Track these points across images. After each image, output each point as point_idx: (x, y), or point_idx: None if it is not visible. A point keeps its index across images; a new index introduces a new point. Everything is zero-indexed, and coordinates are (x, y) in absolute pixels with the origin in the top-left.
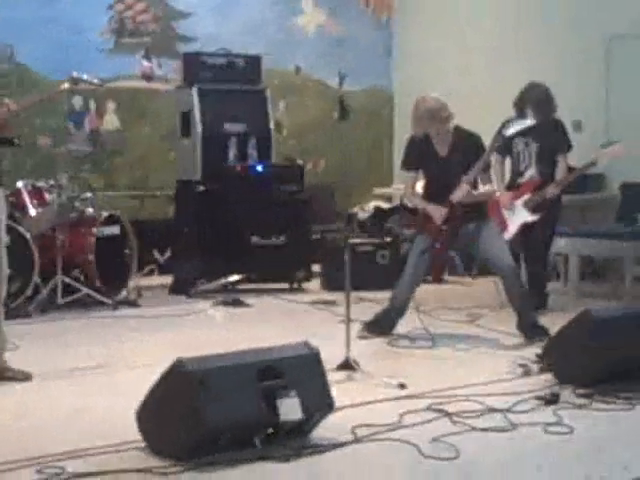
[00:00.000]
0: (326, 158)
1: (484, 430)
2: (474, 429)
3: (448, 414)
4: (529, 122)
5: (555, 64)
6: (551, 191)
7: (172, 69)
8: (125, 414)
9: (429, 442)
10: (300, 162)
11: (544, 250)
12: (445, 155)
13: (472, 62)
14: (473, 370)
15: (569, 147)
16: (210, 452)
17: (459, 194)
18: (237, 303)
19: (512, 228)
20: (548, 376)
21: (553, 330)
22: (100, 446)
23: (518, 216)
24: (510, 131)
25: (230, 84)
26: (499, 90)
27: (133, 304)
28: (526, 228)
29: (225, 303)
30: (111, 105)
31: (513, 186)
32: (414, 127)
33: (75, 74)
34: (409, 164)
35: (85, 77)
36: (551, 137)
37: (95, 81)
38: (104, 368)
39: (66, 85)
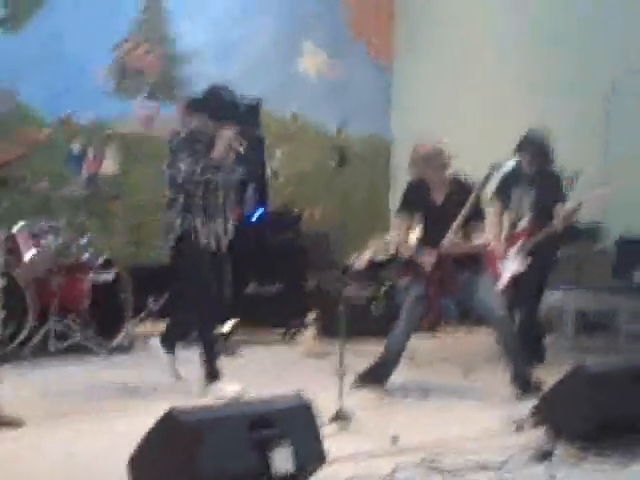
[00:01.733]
0: (323, 205)
1: None
2: None
3: (441, 470)
4: (512, 162)
5: (556, 112)
6: (556, 225)
7: (173, 112)
8: (117, 461)
9: None
10: (297, 210)
11: (535, 299)
12: (440, 203)
13: (471, 110)
14: (466, 424)
15: (564, 200)
16: None
17: (446, 245)
18: (230, 353)
19: (505, 276)
20: (542, 431)
21: (548, 384)
22: None
23: (512, 263)
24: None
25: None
26: (499, 138)
27: (127, 350)
28: (519, 279)
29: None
30: (110, 149)
31: (511, 236)
32: (410, 171)
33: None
34: (405, 209)
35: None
36: (548, 188)
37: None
38: (97, 415)
39: None
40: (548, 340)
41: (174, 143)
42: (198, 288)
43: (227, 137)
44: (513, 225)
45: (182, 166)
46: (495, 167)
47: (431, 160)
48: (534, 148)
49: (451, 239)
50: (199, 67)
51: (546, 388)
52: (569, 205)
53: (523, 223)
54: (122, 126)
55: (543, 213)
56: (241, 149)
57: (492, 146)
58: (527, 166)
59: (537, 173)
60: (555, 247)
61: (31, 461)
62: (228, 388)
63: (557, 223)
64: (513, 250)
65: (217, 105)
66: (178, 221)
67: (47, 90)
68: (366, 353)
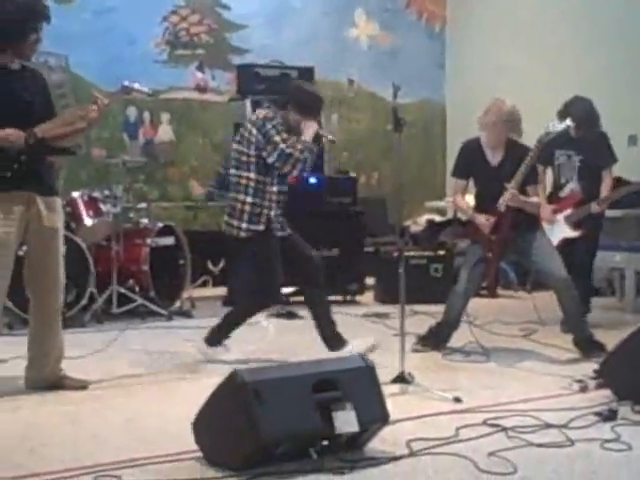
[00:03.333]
0: (379, 171)
1: (541, 446)
2: (531, 444)
3: (504, 429)
4: (569, 123)
5: (611, 77)
6: (595, 207)
7: (225, 81)
8: (181, 424)
9: (485, 457)
10: (353, 174)
11: (588, 265)
12: (496, 165)
13: (526, 74)
14: (528, 385)
15: (614, 161)
16: (265, 463)
17: (505, 199)
18: (291, 315)
19: (553, 242)
20: (605, 392)
21: (609, 346)
22: (156, 456)
23: (559, 230)
24: (550, 130)
25: (283, 96)
26: (554, 103)
27: (187, 315)
28: (567, 244)
29: (279, 315)
30: (165, 116)
31: (553, 199)
32: (487, 129)
33: (126, 83)
34: (459, 172)
35: (136, 86)
36: (594, 151)
37: (145, 90)
38: (159, 377)
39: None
40: (609, 302)
41: (268, 127)
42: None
43: (315, 126)
44: (556, 187)
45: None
46: (550, 130)
47: (512, 121)
48: (579, 113)
49: (512, 193)
50: (251, 36)
51: (609, 349)
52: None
53: (569, 187)
54: (176, 94)
55: (590, 178)
56: (330, 137)
57: (544, 110)
58: (573, 131)
59: (582, 138)
60: (602, 214)
61: (94, 424)
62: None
63: (595, 206)
64: (561, 216)
65: (302, 102)
66: (266, 204)
67: (99, 60)
68: (426, 316)
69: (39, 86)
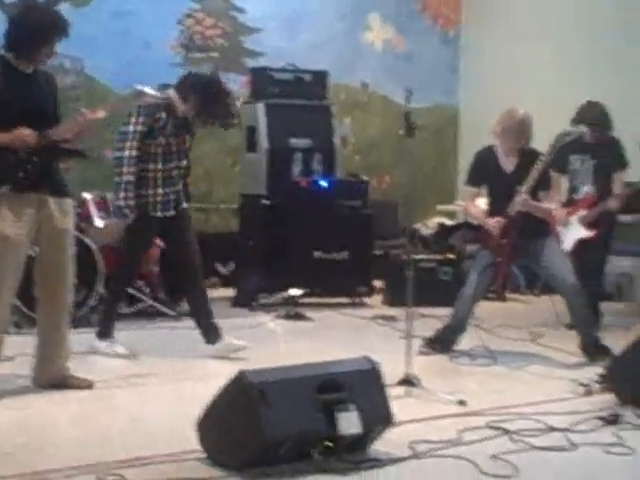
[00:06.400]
0: (390, 174)
1: (544, 449)
2: (533, 448)
3: (507, 432)
4: (583, 129)
5: (623, 82)
6: (611, 204)
7: (240, 84)
8: (185, 424)
9: (488, 459)
10: (365, 178)
11: (599, 268)
12: (510, 172)
13: (539, 80)
14: (533, 388)
15: (626, 165)
16: (269, 463)
17: (516, 203)
18: (298, 317)
19: (567, 244)
20: (609, 396)
21: (616, 350)
22: (159, 455)
23: (573, 232)
24: (564, 134)
25: (296, 99)
26: (567, 108)
27: None
28: (581, 245)
29: (287, 317)
30: None
31: (569, 203)
32: (501, 136)
33: (138, 87)
34: (474, 179)
35: (147, 90)
36: (607, 155)
37: (157, 94)
38: (165, 378)
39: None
40: (617, 307)
41: None
42: None
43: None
44: (571, 191)
45: None
46: (563, 136)
47: (525, 129)
48: (593, 118)
49: (523, 197)
50: (266, 40)
51: (615, 354)
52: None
53: (584, 190)
54: None
55: (604, 181)
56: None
57: (557, 116)
58: (586, 136)
59: (596, 142)
60: (614, 218)
61: (98, 423)
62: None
63: (613, 202)
64: (575, 218)
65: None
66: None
67: (114, 63)
68: (433, 319)
69: (52, 89)
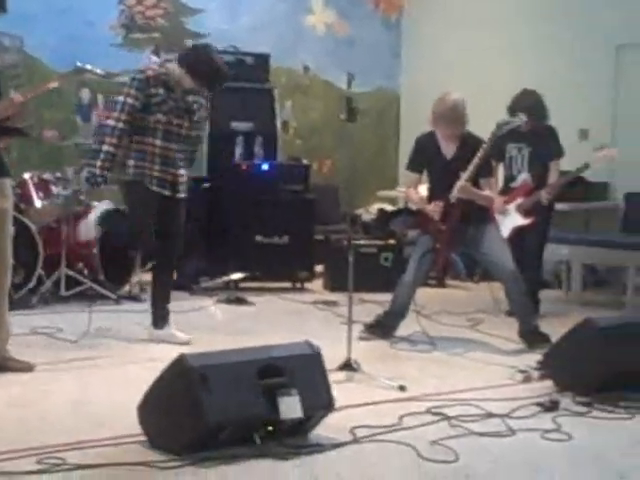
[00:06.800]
0: (332, 159)
1: (483, 435)
2: (473, 433)
3: (447, 417)
4: (523, 118)
5: (564, 71)
6: (544, 195)
7: None
8: (126, 407)
9: (428, 445)
10: (306, 162)
11: (537, 256)
12: (451, 158)
13: (479, 66)
14: (473, 375)
15: (561, 154)
16: (210, 448)
17: (456, 189)
18: (239, 301)
19: (505, 232)
20: (548, 383)
21: (554, 338)
22: (100, 439)
23: (510, 220)
24: (504, 123)
25: (238, 82)
26: (506, 94)
27: (136, 299)
28: (518, 233)
29: (228, 301)
30: None
31: (506, 191)
32: (433, 124)
33: (79, 64)
34: (414, 164)
35: (89, 67)
36: (543, 143)
37: (98, 71)
38: (105, 361)
39: (55, 84)
40: (555, 295)
41: None
42: None
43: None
44: (508, 179)
45: None
46: (503, 124)
47: (457, 115)
48: (529, 106)
49: (463, 184)
50: (208, 21)
51: (553, 341)
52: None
53: (521, 177)
54: None
55: (540, 169)
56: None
57: (496, 102)
58: (522, 124)
59: (532, 130)
60: (551, 206)
61: (40, 406)
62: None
63: (544, 194)
64: (512, 206)
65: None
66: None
67: (53, 42)
68: (374, 304)
69: None
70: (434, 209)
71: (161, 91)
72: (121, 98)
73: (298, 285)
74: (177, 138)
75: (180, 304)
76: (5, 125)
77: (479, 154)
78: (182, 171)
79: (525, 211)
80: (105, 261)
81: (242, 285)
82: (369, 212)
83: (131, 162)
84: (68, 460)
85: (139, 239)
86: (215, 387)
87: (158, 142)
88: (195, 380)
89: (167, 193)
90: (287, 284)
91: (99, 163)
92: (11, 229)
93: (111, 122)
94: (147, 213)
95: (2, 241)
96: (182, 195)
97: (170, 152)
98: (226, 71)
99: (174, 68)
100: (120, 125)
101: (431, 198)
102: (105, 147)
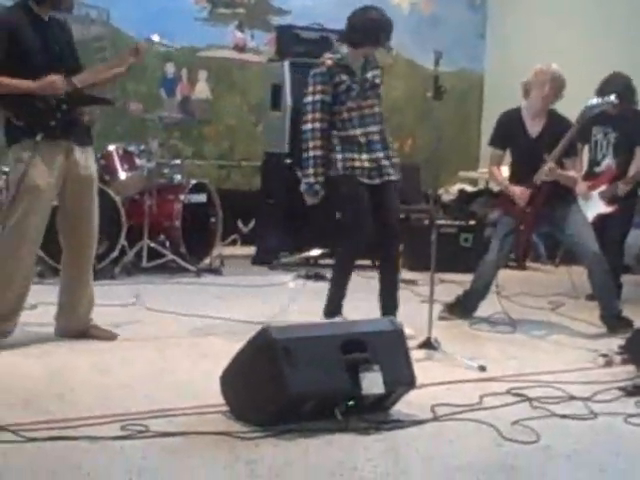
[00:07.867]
0: (414, 138)
1: (564, 417)
2: (554, 415)
3: (528, 399)
4: (614, 100)
5: None
6: (622, 187)
7: (265, 41)
8: (208, 378)
9: (509, 425)
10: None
11: (620, 241)
12: (536, 136)
13: (564, 49)
14: (553, 357)
15: None
16: (291, 420)
17: (543, 173)
18: (318, 277)
19: (587, 218)
20: (630, 368)
21: (637, 323)
22: (183, 407)
23: (594, 206)
24: (594, 104)
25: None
26: (595, 78)
27: (216, 272)
28: (601, 220)
29: (306, 277)
30: (203, 74)
31: (590, 175)
32: (535, 89)
33: (152, 36)
34: (498, 140)
35: (154, 38)
36: (630, 128)
37: (164, 42)
38: (187, 332)
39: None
40: (638, 279)
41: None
42: None
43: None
44: (594, 163)
45: None
46: (594, 105)
47: (559, 84)
48: (618, 90)
49: (550, 166)
50: None
51: (636, 326)
52: None
53: (605, 163)
54: (214, 52)
55: (625, 154)
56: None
57: (582, 85)
58: (610, 108)
59: (620, 114)
60: (635, 192)
61: (123, 374)
62: None
63: (622, 186)
64: (596, 192)
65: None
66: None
67: (140, 14)
68: (453, 284)
69: (66, 37)
70: (521, 196)
71: (344, 77)
72: (309, 98)
73: (377, 263)
74: (372, 120)
75: (259, 278)
76: (91, 94)
77: (567, 135)
78: (382, 154)
79: (608, 199)
80: (186, 234)
81: (321, 262)
82: (449, 192)
83: (338, 156)
84: (151, 427)
85: (357, 235)
86: (298, 360)
87: (358, 131)
88: (278, 353)
89: (377, 182)
90: (366, 261)
91: (311, 170)
92: (96, 198)
93: (308, 125)
94: (362, 205)
95: (89, 209)
96: (392, 177)
97: (373, 135)
98: (383, 17)
99: (344, 49)
100: (317, 125)
101: (513, 176)
102: (310, 153)
